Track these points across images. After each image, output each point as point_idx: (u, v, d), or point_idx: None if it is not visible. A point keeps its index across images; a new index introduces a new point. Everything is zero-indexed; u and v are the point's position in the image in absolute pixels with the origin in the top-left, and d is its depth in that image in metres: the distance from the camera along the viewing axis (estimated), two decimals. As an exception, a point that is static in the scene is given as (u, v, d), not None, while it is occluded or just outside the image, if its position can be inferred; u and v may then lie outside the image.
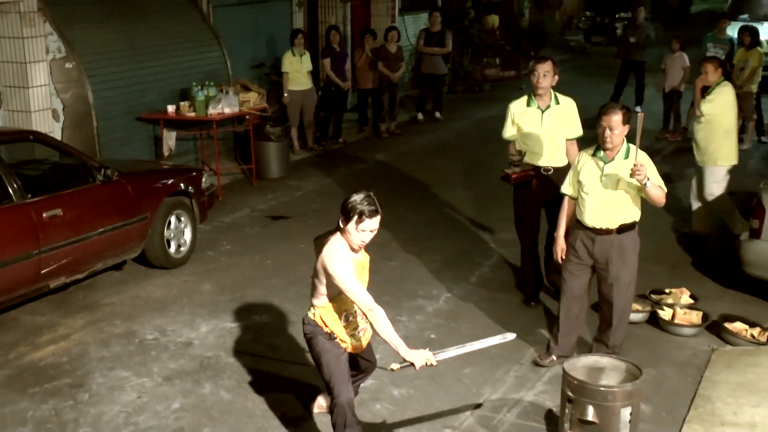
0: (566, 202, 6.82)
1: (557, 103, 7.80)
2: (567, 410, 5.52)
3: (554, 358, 6.91)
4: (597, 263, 6.61)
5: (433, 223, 10.55)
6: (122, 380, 6.70)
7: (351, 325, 5.40)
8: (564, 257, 6.79)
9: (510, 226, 10.24)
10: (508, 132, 8.06)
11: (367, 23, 17.72)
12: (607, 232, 6.50)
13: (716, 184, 9.55)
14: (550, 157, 7.71)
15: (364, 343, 5.55)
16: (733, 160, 9.55)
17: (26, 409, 6.28)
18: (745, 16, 20.14)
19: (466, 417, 6.17)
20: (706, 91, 9.59)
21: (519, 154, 7.92)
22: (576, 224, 6.72)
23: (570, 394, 5.47)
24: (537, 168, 7.75)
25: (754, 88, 13.79)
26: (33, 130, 9.63)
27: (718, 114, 9.40)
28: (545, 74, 7.65)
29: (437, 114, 16.77)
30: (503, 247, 9.67)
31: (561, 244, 6.81)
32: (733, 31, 14.84)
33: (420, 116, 16.69)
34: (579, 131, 7.83)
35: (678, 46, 14.60)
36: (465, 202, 11.39)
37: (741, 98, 13.90)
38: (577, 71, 21.70)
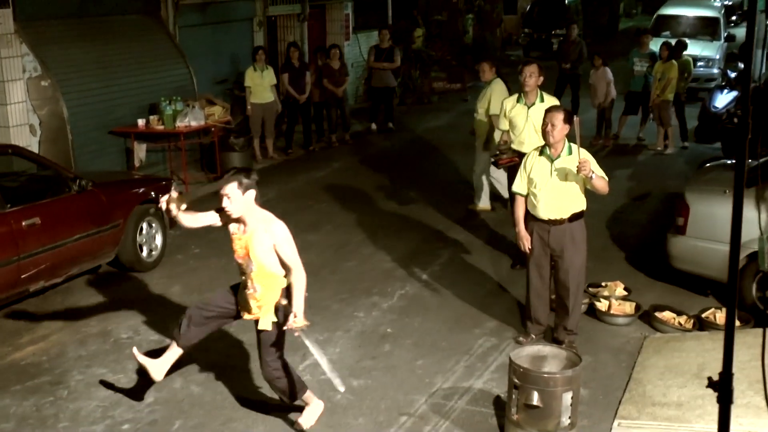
0: (518, 200, 6.94)
1: (542, 100, 8.33)
2: (513, 396, 5.56)
3: (533, 336, 7.07)
4: (553, 252, 6.80)
5: (386, 225, 10.55)
6: (98, 377, 6.61)
7: (243, 283, 5.66)
8: (531, 246, 6.92)
9: (457, 228, 10.34)
10: (502, 124, 8.84)
11: (323, 41, 17.69)
12: (560, 222, 6.69)
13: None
14: (534, 146, 7.79)
15: (247, 307, 5.65)
16: None
17: (9, 405, 6.19)
18: (667, 32, 20.45)
19: (420, 404, 6.18)
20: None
21: (506, 143, 8.61)
22: (529, 219, 6.83)
23: (516, 380, 5.51)
24: (522, 154, 7.85)
25: (671, 96, 14.06)
26: (11, 144, 9.50)
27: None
28: (531, 74, 8.33)
29: (389, 124, 16.77)
30: (452, 246, 9.70)
31: (524, 235, 6.92)
32: (655, 46, 15.04)
33: (373, 126, 16.68)
34: None
35: (600, 62, 14.75)
36: (416, 205, 11.41)
37: (659, 106, 14.18)
38: (518, 83, 21.81)
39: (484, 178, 10.88)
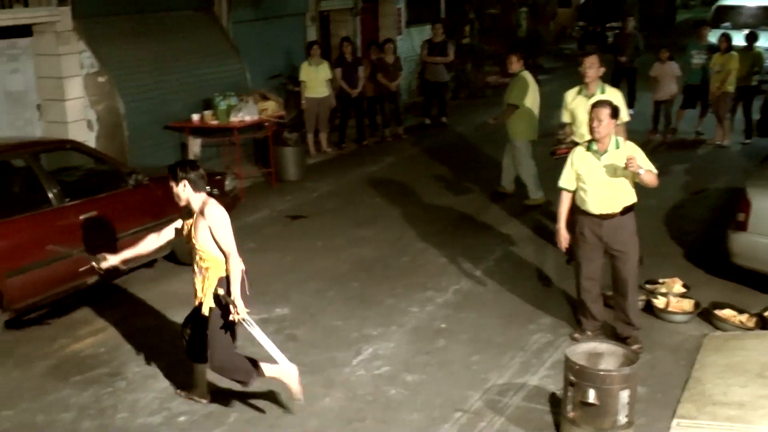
0: (564, 196, 6.88)
1: (602, 92, 8.24)
2: (569, 393, 5.52)
3: (589, 332, 7.03)
4: (607, 246, 6.75)
5: (440, 220, 10.54)
6: (156, 370, 6.71)
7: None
8: (567, 246, 6.92)
9: (512, 223, 10.30)
10: (563, 116, 8.69)
11: (376, 35, 17.72)
12: (612, 216, 6.64)
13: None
14: None
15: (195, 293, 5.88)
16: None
17: (69, 396, 6.32)
18: (727, 24, 20.07)
19: (475, 400, 6.16)
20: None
21: (565, 134, 8.63)
22: (580, 213, 6.77)
23: (572, 378, 5.47)
24: None
25: (731, 89, 13.79)
26: (69, 139, 9.65)
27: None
28: (591, 65, 8.30)
29: (442, 119, 16.76)
30: (506, 242, 9.65)
31: (564, 235, 6.91)
32: (715, 38, 14.77)
33: (426, 121, 16.68)
34: (624, 117, 8.03)
35: (667, 56, 14.49)
36: (469, 201, 11.37)
37: (718, 99, 13.92)
38: (571, 77, 21.57)
39: (510, 163, 11.25)
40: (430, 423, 5.87)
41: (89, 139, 11.00)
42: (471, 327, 7.41)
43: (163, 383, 6.47)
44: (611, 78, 16.07)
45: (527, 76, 10.92)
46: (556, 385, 6.21)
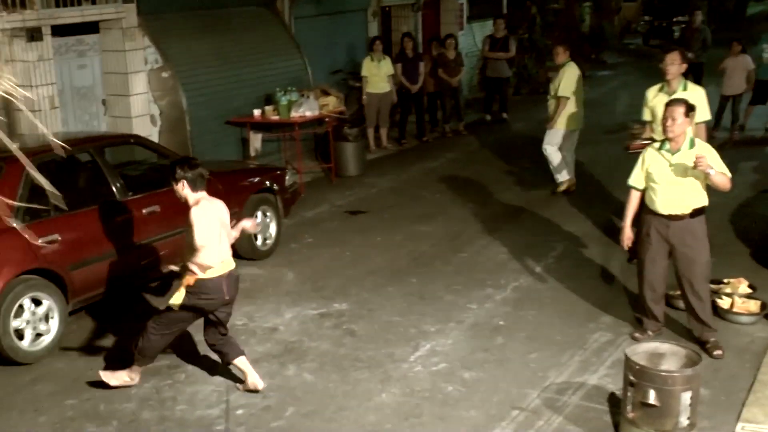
0: (633, 194, 6.78)
1: (684, 89, 8.08)
2: (629, 393, 5.43)
3: (650, 332, 6.91)
4: (673, 248, 6.63)
5: (500, 217, 10.47)
6: (215, 362, 6.77)
7: None
8: (630, 245, 6.81)
9: (572, 219, 10.18)
10: (644, 114, 8.50)
11: (437, 31, 17.67)
12: (681, 217, 6.52)
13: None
14: None
15: None
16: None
17: (136, 385, 6.39)
18: None
19: (533, 399, 6.11)
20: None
21: (641, 130, 8.50)
22: (647, 213, 6.67)
23: (632, 378, 5.38)
24: None
25: None
26: (133, 134, 9.80)
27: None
28: (672, 62, 8.09)
29: (504, 115, 16.66)
30: (567, 239, 9.55)
31: (627, 234, 6.82)
32: None
33: (487, 117, 16.60)
34: (705, 116, 7.99)
35: (739, 49, 14.15)
36: (529, 197, 11.28)
37: None
38: (636, 72, 21.30)
39: (555, 154, 11.34)
40: (487, 420, 5.83)
41: (152, 133, 11.17)
42: (530, 324, 7.35)
43: (221, 376, 6.54)
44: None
45: (574, 67, 11.19)
46: (615, 385, 6.12)
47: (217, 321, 6.17)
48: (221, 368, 6.65)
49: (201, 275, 5.92)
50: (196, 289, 5.96)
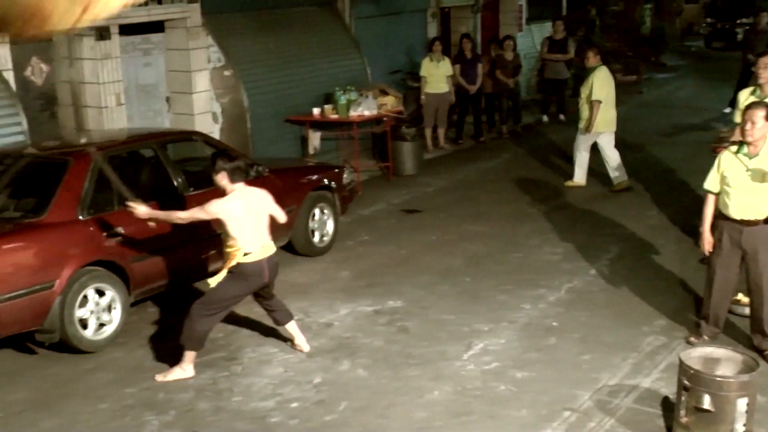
0: (709, 198, 6.64)
1: None
2: (683, 398, 5.33)
3: (706, 337, 6.77)
4: (745, 254, 6.47)
5: (554, 218, 10.37)
6: (270, 355, 6.84)
7: None
8: (711, 250, 6.64)
9: (627, 223, 10.03)
10: (735, 117, 8.33)
11: (496, 32, 17.57)
12: (755, 223, 6.37)
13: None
14: None
15: None
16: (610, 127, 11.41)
17: (193, 376, 6.48)
18: None
19: (585, 400, 6.03)
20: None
21: (731, 133, 8.40)
22: (720, 218, 6.53)
23: (686, 382, 5.28)
24: None
25: None
26: (196, 130, 9.91)
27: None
28: (766, 66, 7.94)
29: (561, 116, 16.52)
30: (621, 242, 9.41)
31: (707, 238, 6.64)
32: None
33: (545, 118, 16.47)
34: None
35: None
36: (585, 198, 11.16)
37: None
38: (697, 75, 20.99)
39: (582, 155, 11.67)
40: (538, 420, 5.78)
41: (214, 130, 11.29)
42: (582, 326, 7.26)
43: (276, 369, 6.58)
44: (738, 78, 15.52)
45: (605, 70, 11.43)
46: (669, 389, 6.01)
47: (261, 297, 6.66)
48: (276, 362, 6.70)
49: (242, 259, 6.21)
50: (238, 271, 6.26)
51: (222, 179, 6.34)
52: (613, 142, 11.53)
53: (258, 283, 6.42)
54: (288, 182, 8.81)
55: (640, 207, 10.66)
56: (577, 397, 6.07)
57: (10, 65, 9.15)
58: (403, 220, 10.60)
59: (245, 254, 6.24)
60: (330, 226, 9.34)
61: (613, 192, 11.40)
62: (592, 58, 11.43)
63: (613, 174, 11.50)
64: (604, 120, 11.29)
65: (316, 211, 9.14)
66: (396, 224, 10.42)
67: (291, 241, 8.99)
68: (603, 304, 7.74)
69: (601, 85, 11.20)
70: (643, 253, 9.03)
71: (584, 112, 11.38)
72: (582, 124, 11.47)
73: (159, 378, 6.43)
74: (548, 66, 16.34)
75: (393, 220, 10.61)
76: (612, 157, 11.47)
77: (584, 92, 11.31)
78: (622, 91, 19.51)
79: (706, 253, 6.71)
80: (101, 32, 9.93)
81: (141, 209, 6.56)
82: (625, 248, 9.20)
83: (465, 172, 12.79)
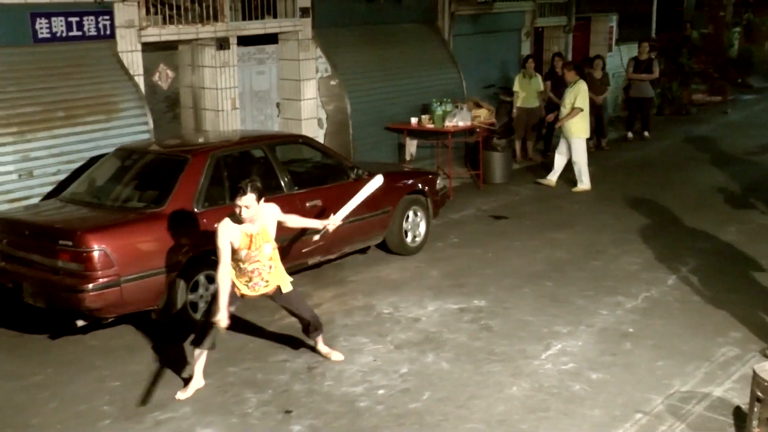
0: None
1: None
2: (756, 409, 5.15)
3: None
4: None
5: (635, 229, 10.14)
6: (361, 345, 6.89)
7: (248, 275, 6.14)
8: None
9: (706, 237, 9.75)
10: None
11: (587, 51, 17.32)
12: None
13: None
14: None
15: (262, 291, 6.25)
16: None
17: (285, 360, 6.61)
18: None
19: (657, 404, 5.89)
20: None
21: None
22: None
23: (759, 394, 5.10)
24: None
25: None
26: (302, 134, 10.06)
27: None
28: None
29: (645, 133, 16.15)
30: (699, 255, 9.14)
31: None
32: None
33: (629, 135, 16.13)
34: None
35: None
36: (665, 212, 10.88)
37: None
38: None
39: (561, 158, 12.32)
40: (610, 420, 5.67)
41: (319, 135, 11.45)
42: (657, 334, 7.09)
43: (366, 358, 6.63)
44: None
45: (585, 84, 12.21)
46: (741, 399, 5.82)
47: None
48: (366, 351, 6.76)
49: None
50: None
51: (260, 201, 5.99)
52: (585, 148, 12.18)
53: None
54: (385, 185, 8.83)
55: (720, 222, 10.34)
56: (650, 400, 5.93)
57: (141, 71, 9.47)
58: (490, 225, 10.53)
59: None
60: (422, 228, 9.36)
61: (573, 192, 12.00)
62: (568, 74, 12.28)
63: (577, 176, 12.12)
64: (583, 127, 12.04)
65: (410, 213, 9.17)
66: (484, 229, 10.36)
67: (385, 240, 9.04)
68: (678, 313, 7.55)
69: (584, 96, 12.00)
70: (720, 267, 8.75)
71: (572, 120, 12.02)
72: (566, 133, 12.07)
73: (335, 357, 6.57)
74: (634, 85, 16.05)
75: (481, 224, 10.56)
76: (581, 162, 12.07)
77: (569, 101, 12.00)
78: (706, 111, 19.13)
79: None
80: (221, 43, 10.19)
81: (334, 224, 6.75)
82: (703, 261, 8.94)
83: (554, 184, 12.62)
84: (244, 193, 5.82)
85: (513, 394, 6.03)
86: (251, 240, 5.96)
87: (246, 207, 5.84)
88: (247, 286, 6.18)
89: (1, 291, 7.22)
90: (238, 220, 5.90)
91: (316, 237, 7.27)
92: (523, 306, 7.71)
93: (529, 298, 7.91)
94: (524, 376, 6.30)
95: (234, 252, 5.92)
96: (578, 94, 11.97)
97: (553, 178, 12.41)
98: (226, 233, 5.88)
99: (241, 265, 6.06)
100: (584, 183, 12.13)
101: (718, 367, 6.46)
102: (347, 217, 7.19)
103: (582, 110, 11.93)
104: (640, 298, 7.90)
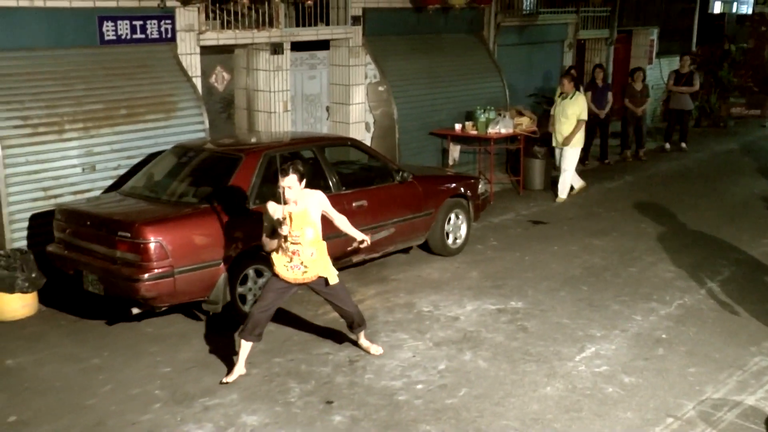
0: None
1: None
2: (785, 417, 5.05)
3: None
4: None
5: (672, 237, 9.99)
6: (401, 341, 6.89)
7: (289, 257, 6.07)
8: None
9: (741, 247, 9.56)
10: None
11: (627, 63, 17.11)
12: None
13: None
14: None
15: (300, 277, 6.13)
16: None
17: (328, 353, 6.63)
18: None
19: (688, 410, 5.80)
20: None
21: None
22: None
23: (789, 402, 5.00)
24: None
25: None
26: (351, 137, 10.09)
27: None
28: None
29: (683, 145, 15.91)
30: (734, 265, 8.97)
31: None
32: None
33: (667, 146, 15.89)
34: None
35: None
36: (701, 222, 10.69)
37: None
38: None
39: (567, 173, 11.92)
40: (642, 423, 5.59)
41: (366, 138, 11.47)
42: (690, 341, 6.97)
43: (406, 353, 6.62)
44: None
45: (583, 96, 11.94)
46: (772, 408, 5.71)
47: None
48: (406, 347, 6.75)
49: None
50: None
51: (302, 183, 6.02)
52: (577, 158, 11.96)
53: None
54: (428, 188, 8.85)
55: (756, 233, 10.14)
56: (681, 406, 5.84)
57: (198, 73, 9.57)
58: (529, 230, 10.45)
59: None
60: (463, 231, 9.33)
61: (556, 202, 11.79)
62: (567, 85, 11.75)
63: (561, 186, 11.87)
64: (580, 138, 11.78)
65: (452, 216, 9.14)
66: (523, 233, 10.29)
67: (427, 241, 9.03)
68: (712, 321, 7.42)
69: (585, 107, 11.76)
70: (755, 277, 8.58)
71: (566, 129, 11.67)
72: (561, 141, 11.76)
73: (375, 351, 6.59)
74: (674, 97, 15.80)
75: (520, 229, 10.49)
76: (569, 170, 11.85)
77: (571, 112, 11.62)
78: (744, 124, 18.77)
79: None
80: (276, 48, 10.26)
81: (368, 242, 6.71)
82: (737, 271, 8.77)
83: (590, 190, 12.48)
84: (287, 174, 5.88)
85: (547, 393, 5.98)
86: (291, 218, 5.99)
87: (288, 188, 5.89)
88: (286, 267, 6.12)
89: (63, 278, 7.36)
90: (281, 201, 5.95)
91: (354, 245, 7.21)
92: (559, 309, 7.64)
93: (565, 302, 7.83)
94: (559, 377, 6.24)
95: (276, 229, 5.97)
96: (582, 106, 11.69)
97: (576, 185, 12.22)
98: (269, 212, 6.01)
99: (283, 244, 6.06)
100: (564, 195, 11.90)
101: (751, 376, 6.33)
102: (390, 218, 7.22)
103: (584, 121, 11.75)
104: (674, 305, 7.78)
